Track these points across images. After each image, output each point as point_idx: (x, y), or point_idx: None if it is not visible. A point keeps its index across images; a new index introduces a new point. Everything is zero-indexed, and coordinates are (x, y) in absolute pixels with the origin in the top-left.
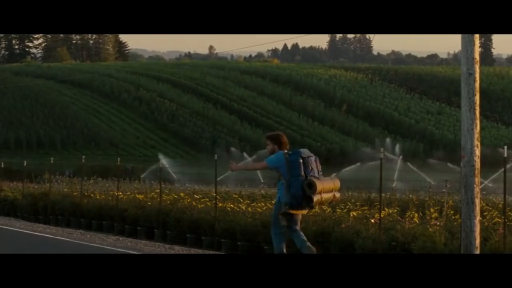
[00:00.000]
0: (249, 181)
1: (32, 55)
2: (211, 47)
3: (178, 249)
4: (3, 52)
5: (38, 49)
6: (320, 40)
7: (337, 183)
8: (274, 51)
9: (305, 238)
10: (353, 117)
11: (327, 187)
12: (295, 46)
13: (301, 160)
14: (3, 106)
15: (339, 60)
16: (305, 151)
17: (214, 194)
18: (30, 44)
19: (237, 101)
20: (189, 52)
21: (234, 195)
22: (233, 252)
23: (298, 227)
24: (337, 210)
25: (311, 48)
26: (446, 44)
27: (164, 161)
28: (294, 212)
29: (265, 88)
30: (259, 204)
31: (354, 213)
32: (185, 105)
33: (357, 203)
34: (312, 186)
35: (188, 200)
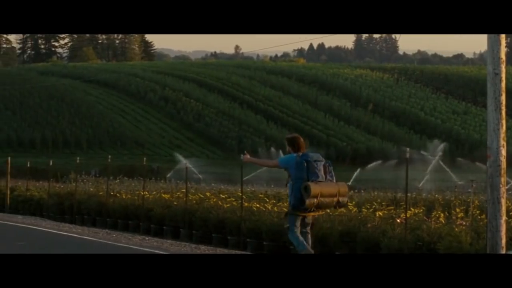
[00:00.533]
0: (275, 180)
1: (58, 55)
2: (237, 47)
3: (204, 249)
4: (29, 51)
5: (64, 49)
6: (346, 40)
7: (343, 189)
8: (300, 51)
9: (309, 246)
10: (379, 117)
11: (326, 192)
12: (321, 46)
13: (305, 164)
14: (29, 106)
15: (365, 60)
16: (314, 155)
17: (240, 194)
18: (56, 44)
19: (263, 100)
20: (215, 52)
21: (260, 195)
22: (259, 252)
23: (307, 230)
24: (363, 210)
25: (337, 48)
26: (472, 44)
27: (182, 160)
28: (298, 213)
29: (291, 88)
30: (285, 204)
31: (380, 213)
32: (211, 105)
33: (383, 203)
34: (307, 189)
35: (214, 200)
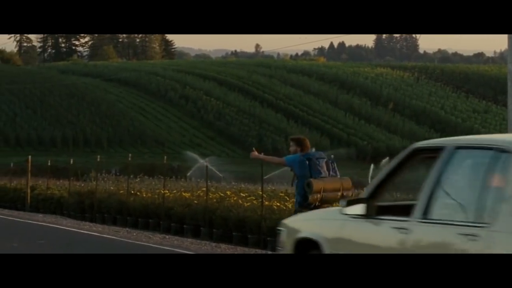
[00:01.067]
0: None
1: (79, 54)
2: (257, 46)
3: (224, 247)
4: (50, 50)
5: (84, 48)
6: (367, 39)
7: (347, 183)
8: (321, 50)
9: None
10: (399, 116)
11: (329, 187)
12: (342, 44)
13: (307, 162)
14: (49, 104)
15: (385, 58)
16: (315, 153)
17: (260, 193)
18: (77, 43)
19: (283, 99)
20: (235, 51)
21: (280, 193)
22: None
23: None
24: None
25: (357, 46)
26: (493, 43)
27: (198, 159)
28: (305, 211)
29: (311, 87)
30: None
31: None
32: (231, 104)
33: None
34: (309, 186)
35: (234, 199)
